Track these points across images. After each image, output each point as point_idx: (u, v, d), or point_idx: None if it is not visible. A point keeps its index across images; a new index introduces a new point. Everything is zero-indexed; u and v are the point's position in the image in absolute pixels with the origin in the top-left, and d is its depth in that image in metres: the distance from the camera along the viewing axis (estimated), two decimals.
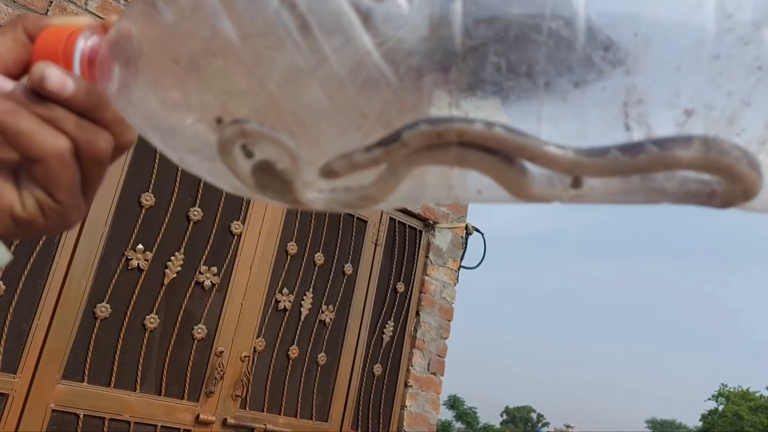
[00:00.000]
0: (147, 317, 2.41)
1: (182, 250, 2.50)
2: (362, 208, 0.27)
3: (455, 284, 3.45)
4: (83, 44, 0.31)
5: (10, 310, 2.11)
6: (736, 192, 0.23)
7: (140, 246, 2.40)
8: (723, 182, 0.23)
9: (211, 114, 0.26)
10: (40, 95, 0.29)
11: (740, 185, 0.23)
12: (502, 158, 0.23)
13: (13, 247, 1.67)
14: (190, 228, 2.54)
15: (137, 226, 2.40)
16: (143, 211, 2.42)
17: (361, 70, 0.23)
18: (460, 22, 0.22)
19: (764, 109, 0.26)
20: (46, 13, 2.18)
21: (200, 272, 2.54)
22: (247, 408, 2.65)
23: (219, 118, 0.26)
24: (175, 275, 2.48)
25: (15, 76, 0.32)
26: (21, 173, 0.31)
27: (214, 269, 2.58)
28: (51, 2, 2.20)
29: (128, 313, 2.37)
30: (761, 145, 0.26)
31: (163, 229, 2.46)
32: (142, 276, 2.41)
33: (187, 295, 2.51)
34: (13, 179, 0.31)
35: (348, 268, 3.03)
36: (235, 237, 2.65)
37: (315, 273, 2.92)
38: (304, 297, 2.86)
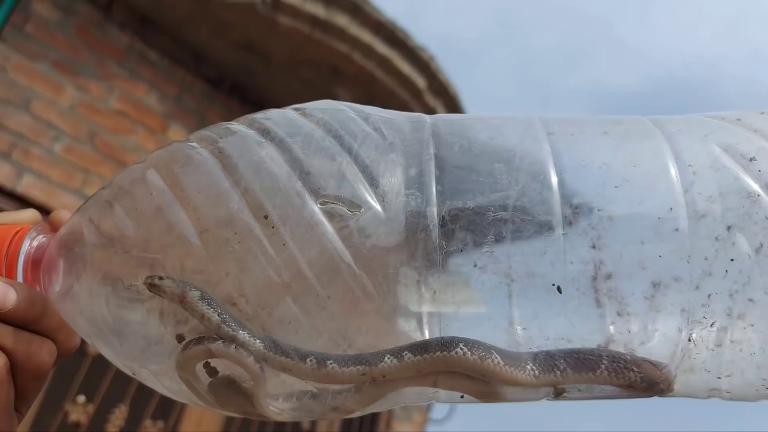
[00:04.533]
0: None
1: (127, 402, 2.34)
2: (333, 419, 0.26)
3: None
4: (28, 245, 0.29)
5: None
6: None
7: (82, 397, 2.24)
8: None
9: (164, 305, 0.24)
10: None
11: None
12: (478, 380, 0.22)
13: None
14: None
15: (81, 376, 2.25)
16: (89, 360, 2.29)
17: (338, 278, 0.23)
18: (435, 215, 0.23)
19: (727, 277, 0.27)
20: (10, 156, 2.19)
21: (145, 427, 2.36)
22: None
23: (180, 335, 0.24)
24: (116, 430, 2.30)
25: None
26: None
27: (161, 423, 2.40)
28: (16, 145, 2.23)
29: None
30: (728, 317, 0.26)
31: (108, 380, 2.32)
32: None
33: None
34: None
35: (306, 424, 2.87)
36: None
37: (273, 425, 2.75)
38: None
